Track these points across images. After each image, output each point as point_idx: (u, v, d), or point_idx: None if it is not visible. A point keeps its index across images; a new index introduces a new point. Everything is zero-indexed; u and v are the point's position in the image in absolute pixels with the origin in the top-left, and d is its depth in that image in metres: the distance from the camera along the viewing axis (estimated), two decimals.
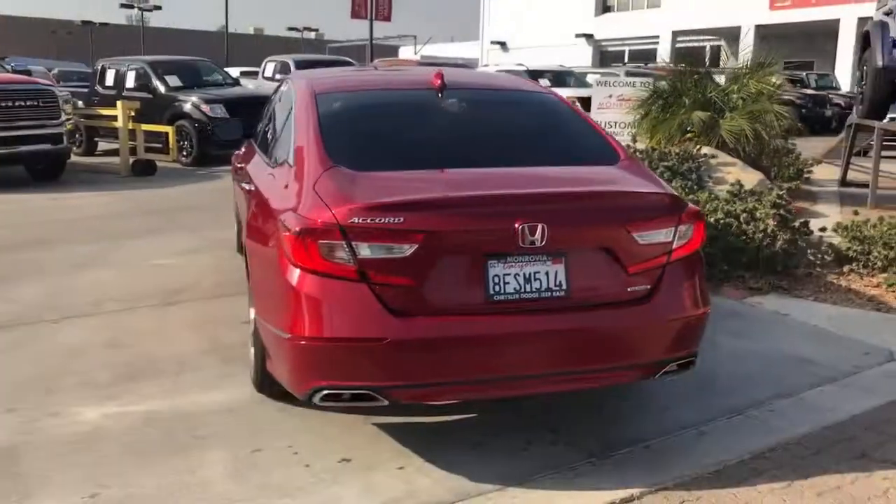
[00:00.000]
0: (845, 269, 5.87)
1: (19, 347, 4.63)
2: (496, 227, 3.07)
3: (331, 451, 3.38)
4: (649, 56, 37.29)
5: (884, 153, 9.53)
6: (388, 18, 33.45)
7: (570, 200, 3.30)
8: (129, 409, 3.77)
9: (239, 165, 5.69)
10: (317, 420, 3.64)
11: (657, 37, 37.97)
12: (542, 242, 3.06)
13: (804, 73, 24.46)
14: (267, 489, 3.08)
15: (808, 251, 6.22)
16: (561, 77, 19.66)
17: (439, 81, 4.04)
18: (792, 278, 5.90)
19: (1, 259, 6.69)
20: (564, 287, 3.15)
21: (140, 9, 58.43)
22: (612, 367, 3.27)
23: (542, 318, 3.12)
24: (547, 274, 3.13)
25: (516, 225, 3.02)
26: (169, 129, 13.12)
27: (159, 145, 13.77)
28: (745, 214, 6.11)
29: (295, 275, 3.07)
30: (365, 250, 2.99)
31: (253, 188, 4.19)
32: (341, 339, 3.00)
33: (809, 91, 21.62)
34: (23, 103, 10.63)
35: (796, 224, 6.09)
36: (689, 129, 8.90)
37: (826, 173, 10.98)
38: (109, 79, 15.13)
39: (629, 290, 3.23)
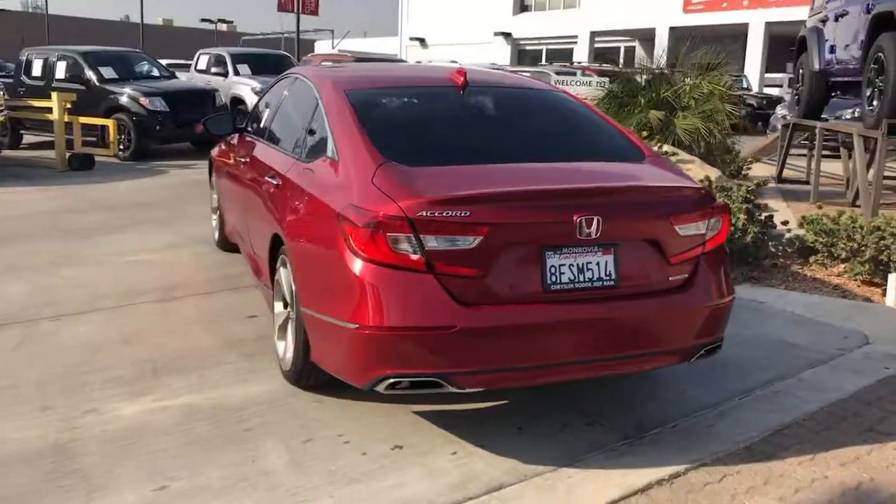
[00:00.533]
0: (811, 259, 6.27)
1: (25, 346, 4.50)
2: (556, 219, 3.23)
3: (380, 438, 3.46)
4: (567, 56, 38.18)
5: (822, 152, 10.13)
6: (315, 12, 33.13)
7: (623, 194, 3.50)
8: (166, 404, 3.75)
9: (234, 160, 5.64)
10: (357, 410, 3.71)
11: (575, 37, 38.90)
12: (596, 234, 3.24)
13: None
14: (334, 476, 3.14)
15: (770, 244, 6.61)
16: None
17: (462, 79, 4.17)
18: (760, 269, 6.27)
19: None
20: (614, 277, 3.33)
21: None
22: (655, 351, 3.48)
23: (594, 307, 3.31)
24: (598, 264, 3.31)
25: (575, 218, 3.19)
26: (109, 122, 12.75)
27: (93, 139, 13.39)
28: None
29: (361, 266, 3.15)
30: (432, 242, 3.09)
31: (278, 182, 4.21)
32: (411, 328, 3.09)
33: None
34: None
35: (762, 217, 6.47)
36: (645, 127, 9.25)
37: (762, 170, 11.59)
38: (36, 69, 14.56)
39: (670, 279, 3.45)
